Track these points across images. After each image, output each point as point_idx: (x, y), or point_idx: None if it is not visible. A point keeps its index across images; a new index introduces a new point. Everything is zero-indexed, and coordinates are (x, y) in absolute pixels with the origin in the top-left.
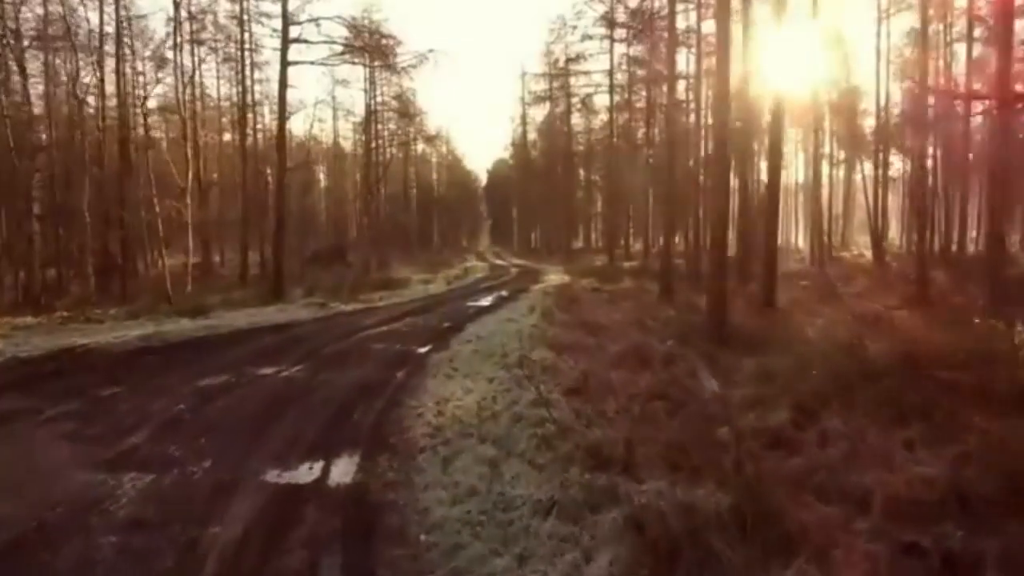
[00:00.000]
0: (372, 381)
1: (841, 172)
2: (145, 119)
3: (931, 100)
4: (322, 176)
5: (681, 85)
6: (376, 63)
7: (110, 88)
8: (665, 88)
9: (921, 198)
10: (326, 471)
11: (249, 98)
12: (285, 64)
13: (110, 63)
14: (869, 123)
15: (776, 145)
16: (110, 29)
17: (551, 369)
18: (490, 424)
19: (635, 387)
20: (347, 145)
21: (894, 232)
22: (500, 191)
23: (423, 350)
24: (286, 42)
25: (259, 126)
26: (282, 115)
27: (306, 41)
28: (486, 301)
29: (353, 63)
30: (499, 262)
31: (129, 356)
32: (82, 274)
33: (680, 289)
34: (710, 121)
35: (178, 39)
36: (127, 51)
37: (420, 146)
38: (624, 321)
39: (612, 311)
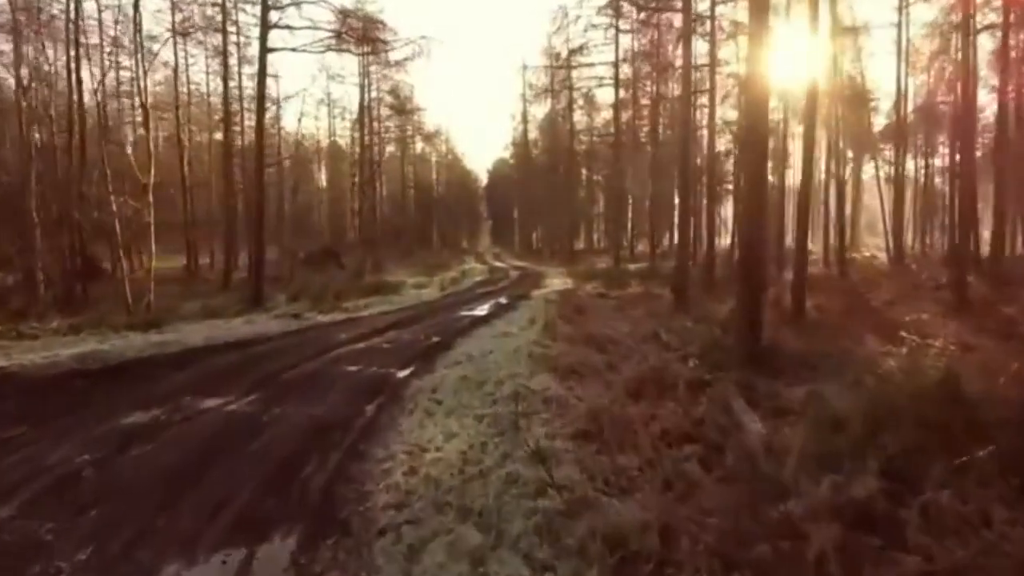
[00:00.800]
0: (334, 419)
1: (846, 171)
2: (102, 109)
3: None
4: (322, 175)
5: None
6: (365, 52)
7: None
8: (677, 76)
9: (971, 197)
10: (245, 570)
11: (236, 92)
12: (265, 51)
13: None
14: (878, 121)
15: (809, 140)
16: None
17: (554, 402)
18: (475, 488)
19: (659, 426)
20: (344, 144)
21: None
22: (501, 191)
23: (403, 374)
24: (265, 27)
25: (249, 123)
26: (261, 105)
27: (288, 27)
28: (482, 310)
29: (340, 51)
30: (499, 264)
31: (53, 382)
32: (32, 280)
33: (694, 295)
34: (728, 114)
35: (139, 22)
36: (82, 36)
37: (419, 145)
38: (636, 334)
39: (621, 321)
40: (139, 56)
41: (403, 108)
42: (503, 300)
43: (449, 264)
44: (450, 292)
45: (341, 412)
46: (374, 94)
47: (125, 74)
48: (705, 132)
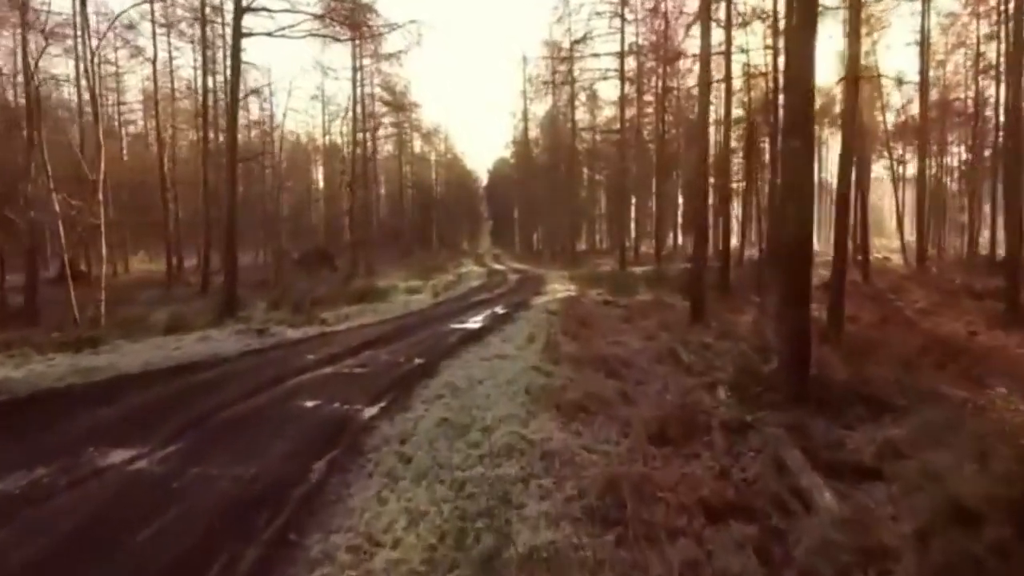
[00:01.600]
0: (267, 485)
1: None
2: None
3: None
4: (319, 175)
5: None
6: (352, 38)
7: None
8: (687, 68)
9: (1017, 196)
10: None
11: (223, 86)
12: (238, 35)
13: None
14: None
15: (848, 133)
16: None
17: (558, 459)
18: None
19: (695, 493)
20: (341, 142)
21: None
22: (501, 191)
23: (370, 413)
24: (240, 9)
25: (241, 120)
26: (234, 95)
27: (264, 9)
28: (476, 322)
29: (324, 36)
30: (498, 267)
31: None
32: None
33: (710, 304)
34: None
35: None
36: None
37: (417, 143)
38: (650, 351)
39: (632, 335)
40: (84, 35)
41: (398, 103)
42: (500, 310)
43: (446, 267)
44: (443, 299)
45: (279, 473)
46: (368, 89)
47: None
48: (713, 127)
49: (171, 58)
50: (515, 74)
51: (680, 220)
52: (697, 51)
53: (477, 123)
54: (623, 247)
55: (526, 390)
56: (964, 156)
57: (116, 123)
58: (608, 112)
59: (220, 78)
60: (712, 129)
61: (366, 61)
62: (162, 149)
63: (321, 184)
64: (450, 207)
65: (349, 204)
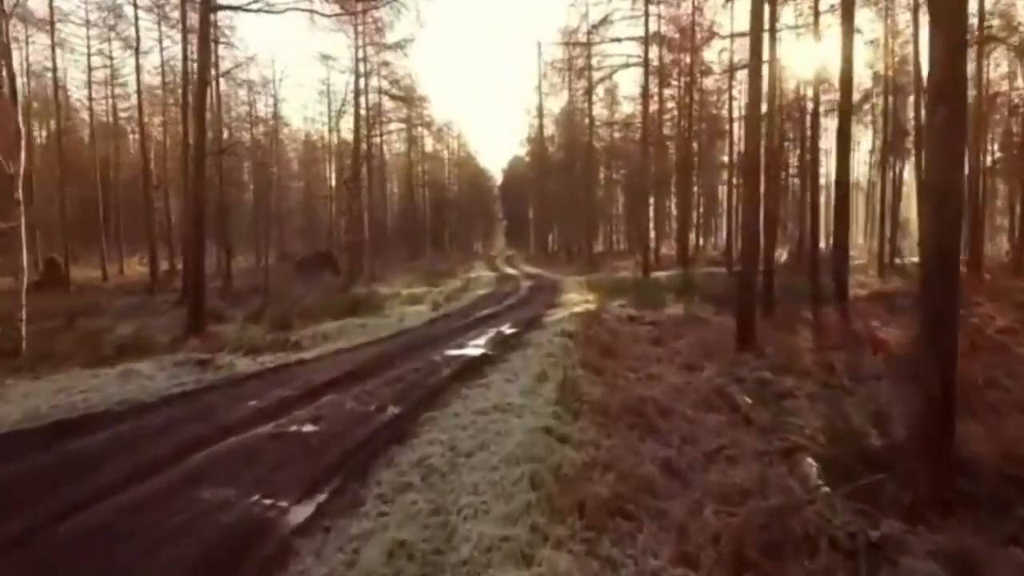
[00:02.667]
0: None
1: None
2: None
3: None
4: (331, 174)
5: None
6: (337, 13)
7: None
8: (718, 52)
9: None
10: None
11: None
12: (207, 7)
13: None
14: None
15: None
16: None
17: None
18: None
19: None
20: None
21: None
22: (516, 190)
23: (296, 519)
24: None
25: (234, 114)
26: (203, 73)
27: None
28: (477, 347)
29: (308, 11)
30: (510, 271)
31: None
32: None
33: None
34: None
35: None
36: None
37: (429, 141)
38: (697, 393)
39: (668, 365)
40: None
41: (404, 96)
42: (507, 328)
43: (455, 271)
44: (445, 312)
45: None
46: (374, 82)
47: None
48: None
49: (161, 47)
50: (530, 71)
51: (699, 221)
52: (731, 32)
53: (492, 122)
54: (646, 251)
55: (532, 481)
56: (997, 153)
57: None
58: (626, 108)
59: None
60: (737, 125)
61: (369, 52)
62: (145, 142)
63: (333, 183)
64: (463, 207)
65: (348, 204)
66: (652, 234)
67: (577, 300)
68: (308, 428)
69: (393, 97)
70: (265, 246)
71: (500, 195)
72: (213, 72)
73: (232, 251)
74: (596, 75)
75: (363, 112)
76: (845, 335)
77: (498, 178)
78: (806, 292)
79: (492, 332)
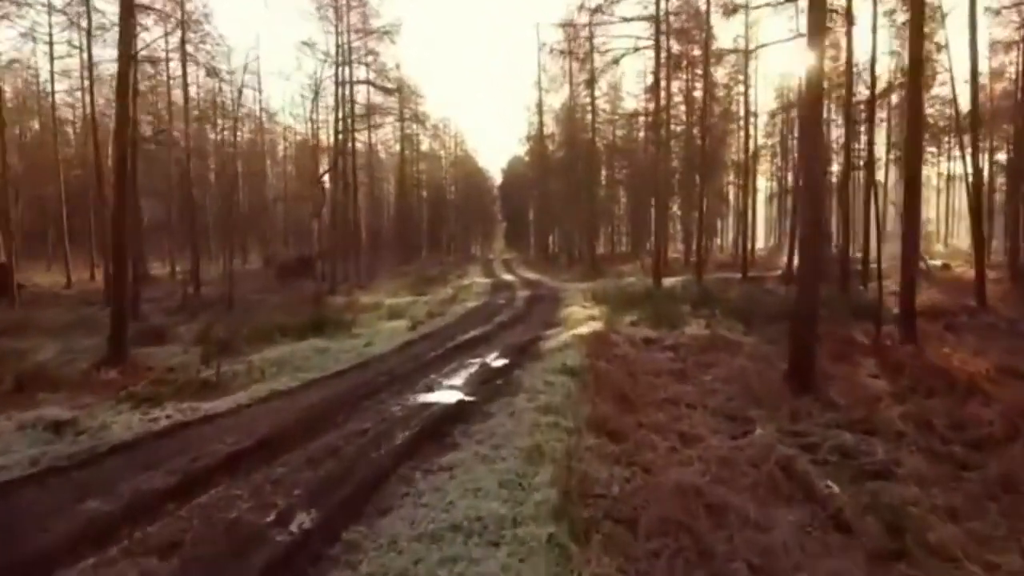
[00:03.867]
0: None
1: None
2: None
3: None
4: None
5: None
6: None
7: None
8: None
9: None
10: None
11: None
12: None
13: None
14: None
15: None
16: None
17: None
18: None
19: None
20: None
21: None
22: (515, 191)
23: None
24: None
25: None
26: (124, 51)
27: None
28: (449, 392)
29: None
30: (507, 277)
31: None
32: None
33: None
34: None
35: None
36: None
37: (426, 141)
38: (756, 471)
39: (704, 416)
40: None
41: (389, 88)
42: (495, 360)
43: (447, 277)
44: (425, 332)
45: None
46: (361, 73)
47: None
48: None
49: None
50: (529, 64)
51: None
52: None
53: (491, 122)
54: (657, 257)
55: None
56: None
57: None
58: (630, 104)
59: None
60: (750, 119)
61: (353, 40)
62: (96, 136)
63: (327, 184)
64: (460, 208)
65: (319, 203)
66: (653, 236)
67: (581, 316)
68: (145, 565)
69: (378, 88)
70: (228, 251)
71: (499, 196)
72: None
73: (199, 255)
74: (600, 61)
75: (345, 104)
76: (924, 370)
77: (497, 178)
78: (838, 304)
79: (475, 364)
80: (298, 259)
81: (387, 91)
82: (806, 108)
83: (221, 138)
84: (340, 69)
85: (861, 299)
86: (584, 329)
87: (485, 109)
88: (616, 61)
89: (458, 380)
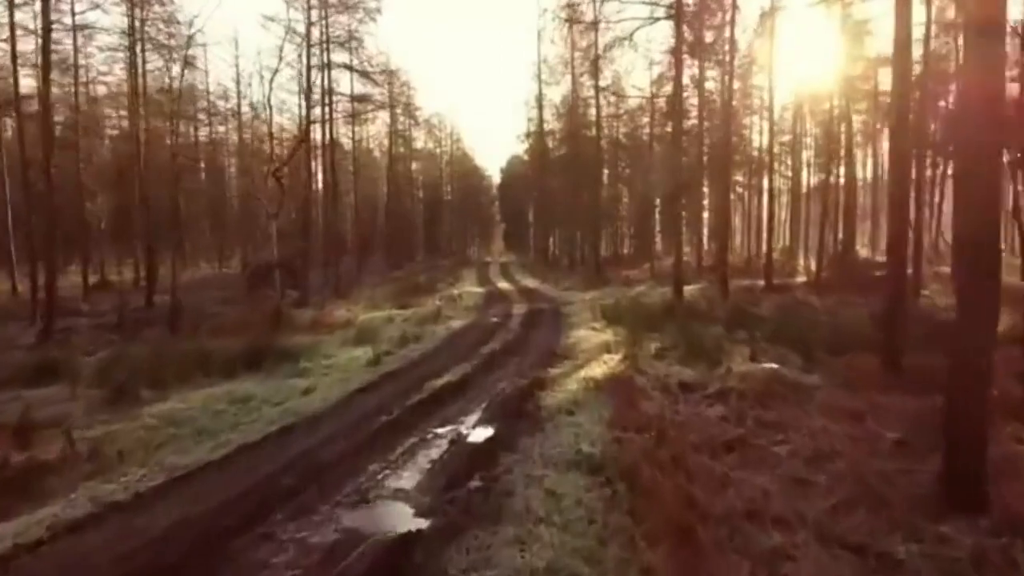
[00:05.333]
0: None
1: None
2: None
3: None
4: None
5: None
6: None
7: None
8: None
9: None
10: None
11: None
12: None
13: None
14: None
15: None
16: None
17: None
18: None
19: None
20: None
21: None
22: (515, 191)
23: None
24: None
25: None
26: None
27: None
28: (393, 509)
29: None
30: (503, 285)
31: None
32: None
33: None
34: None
35: None
36: None
37: (421, 137)
38: None
39: (813, 549)
40: None
41: (368, 72)
42: (473, 433)
43: (436, 285)
44: (387, 372)
45: None
46: (338, 58)
47: None
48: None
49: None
50: (529, 56)
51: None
52: None
53: (490, 122)
54: (677, 266)
55: None
56: None
57: None
58: (633, 100)
59: None
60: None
61: (330, 15)
62: (21, 121)
63: (320, 185)
64: (457, 209)
65: (278, 202)
66: (658, 239)
67: (593, 343)
68: None
69: (358, 73)
70: (174, 256)
71: (499, 196)
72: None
73: (154, 259)
74: (610, 35)
75: (315, 90)
76: None
77: (496, 179)
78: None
79: (444, 440)
80: (275, 264)
81: (367, 76)
82: (896, 61)
83: (171, 126)
84: (312, 50)
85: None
86: (599, 368)
87: (483, 109)
88: (629, 37)
89: (410, 480)
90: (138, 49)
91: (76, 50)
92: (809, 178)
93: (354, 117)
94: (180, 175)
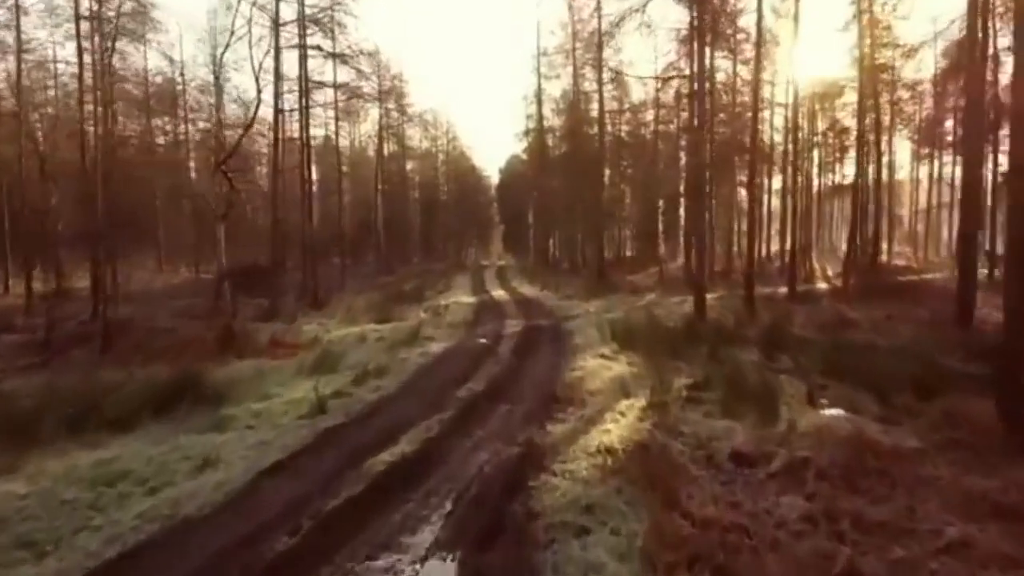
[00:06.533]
0: None
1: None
2: None
3: None
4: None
5: None
6: None
7: None
8: None
9: None
10: None
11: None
12: None
13: None
14: None
15: None
16: None
17: None
18: None
19: None
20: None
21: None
22: (514, 192)
23: None
24: None
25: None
26: None
27: None
28: None
29: None
30: (498, 293)
31: None
32: None
33: None
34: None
35: None
36: None
37: (414, 134)
38: None
39: None
40: None
41: (343, 54)
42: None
43: (423, 294)
44: (327, 428)
45: None
46: (314, 41)
47: None
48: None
49: None
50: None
51: (753, 222)
52: None
53: (488, 122)
54: (700, 277)
55: None
56: None
57: None
58: (636, 95)
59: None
60: (795, 103)
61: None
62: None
63: (314, 180)
64: (454, 209)
65: (227, 201)
66: (662, 244)
67: (606, 384)
68: None
69: (323, 52)
70: (112, 260)
71: (497, 196)
72: None
73: (100, 263)
74: (618, 8)
75: (281, 73)
76: None
77: (495, 179)
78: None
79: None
80: (249, 268)
81: (345, 62)
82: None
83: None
84: (278, 28)
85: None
86: (616, 426)
87: (482, 109)
88: (642, 8)
89: None
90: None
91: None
92: (821, 176)
93: (337, 111)
94: (125, 169)
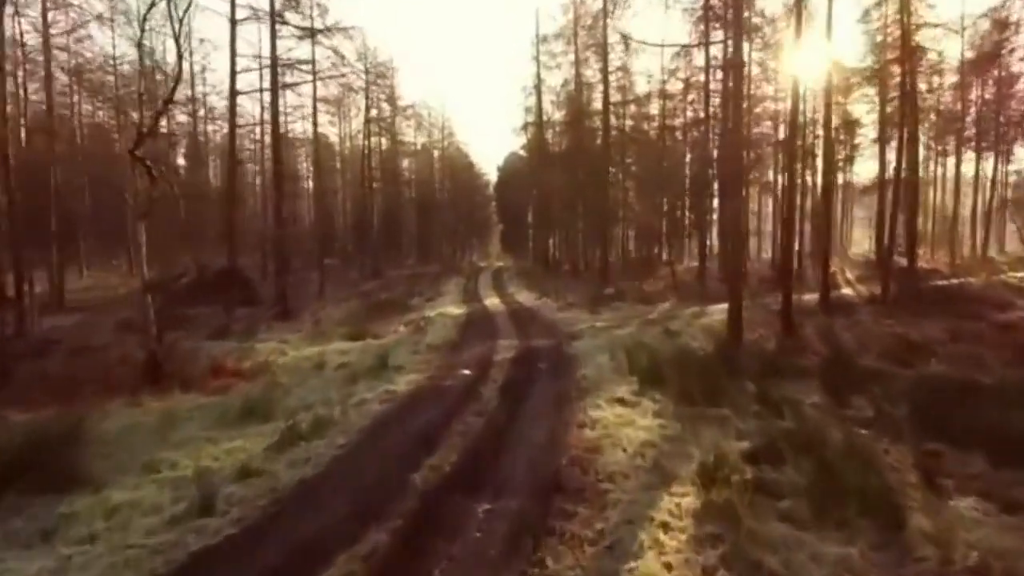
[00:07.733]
0: None
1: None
2: None
3: None
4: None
5: None
6: None
7: None
8: None
9: None
10: None
11: None
12: None
13: None
14: None
15: None
16: None
17: None
18: None
19: None
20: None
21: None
22: (512, 190)
23: None
24: None
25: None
26: None
27: None
28: None
29: None
30: (492, 302)
31: None
32: None
33: None
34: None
35: None
36: None
37: (408, 129)
38: None
39: None
40: None
41: (318, 31)
42: None
43: (407, 302)
44: (199, 551)
45: None
46: (294, 19)
47: None
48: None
49: None
50: (528, 35)
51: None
52: None
53: (486, 120)
54: (737, 292)
55: None
56: None
57: None
58: (641, 87)
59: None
60: (828, 92)
61: None
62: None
63: (311, 184)
64: (451, 209)
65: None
66: (666, 240)
67: (629, 453)
68: None
69: (294, 27)
70: (20, 268)
71: (496, 195)
72: None
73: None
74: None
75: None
76: None
77: (493, 178)
78: None
79: None
80: (220, 272)
81: (307, 32)
82: None
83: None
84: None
85: None
86: (656, 563)
87: (480, 107)
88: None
89: None
90: None
91: None
92: (835, 174)
93: (315, 100)
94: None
